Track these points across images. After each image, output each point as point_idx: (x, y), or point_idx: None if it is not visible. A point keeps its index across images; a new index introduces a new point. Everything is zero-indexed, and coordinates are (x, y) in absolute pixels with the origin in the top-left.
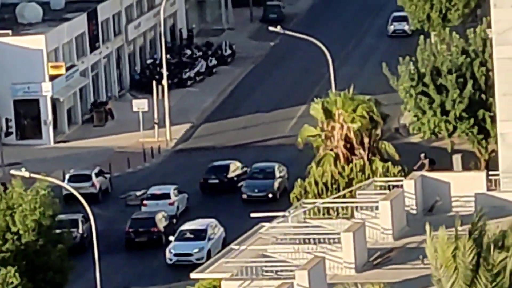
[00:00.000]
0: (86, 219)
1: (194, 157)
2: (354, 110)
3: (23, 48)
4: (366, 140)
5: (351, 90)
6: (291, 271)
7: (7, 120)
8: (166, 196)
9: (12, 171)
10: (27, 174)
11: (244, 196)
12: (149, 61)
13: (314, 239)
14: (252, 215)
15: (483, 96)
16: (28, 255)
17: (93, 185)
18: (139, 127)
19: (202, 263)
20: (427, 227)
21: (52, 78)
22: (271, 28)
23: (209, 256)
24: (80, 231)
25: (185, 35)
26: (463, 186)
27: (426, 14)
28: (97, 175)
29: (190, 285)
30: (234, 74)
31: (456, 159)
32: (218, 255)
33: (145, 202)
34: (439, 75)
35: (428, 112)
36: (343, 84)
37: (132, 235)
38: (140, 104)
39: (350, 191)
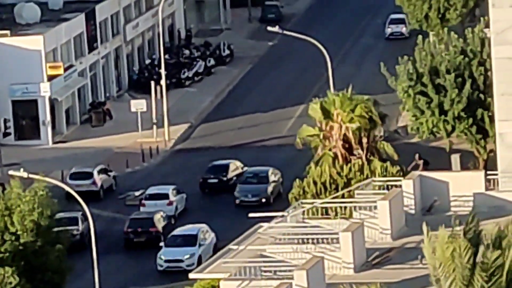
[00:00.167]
0: (85, 217)
1: (192, 157)
2: (353, 110)
3: (21, 48)
4: (364, 140)
5: (349, 90)
6: (289, 271)
7: (5, 121)
8: (165, 196)
9: (11, 172)
10: (25, 175)
11: (237, 201)
12: (147, 61)
13: (312, 239)
14: (251, 215)
15: (481, 96)
16: (27, 255)
17: (94, 183)
18: (137, 127)
19: (193, 269)
20: (424, 227)
21: (51, 78)
22: (269, 28)
23: (199, 262)
24: (80, 229)
25: (183, 35)
26: (462, 186)
27: (425, 14)
28: (99, 173)
29: (188, 286)
30: (232, 74)
31: (455, 159)
32: (217, 254)
33: (143, 202)
34: (437, 75)
35: (427, 112)
36: (341, 84)
37: (130, 235)
38: (138, 104)
39: (349, 191)
